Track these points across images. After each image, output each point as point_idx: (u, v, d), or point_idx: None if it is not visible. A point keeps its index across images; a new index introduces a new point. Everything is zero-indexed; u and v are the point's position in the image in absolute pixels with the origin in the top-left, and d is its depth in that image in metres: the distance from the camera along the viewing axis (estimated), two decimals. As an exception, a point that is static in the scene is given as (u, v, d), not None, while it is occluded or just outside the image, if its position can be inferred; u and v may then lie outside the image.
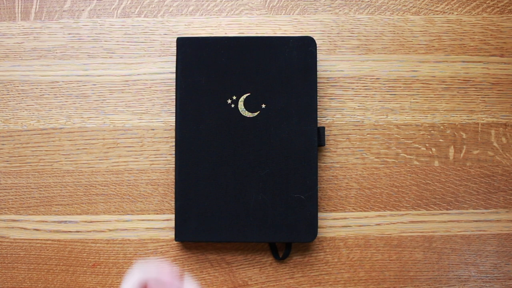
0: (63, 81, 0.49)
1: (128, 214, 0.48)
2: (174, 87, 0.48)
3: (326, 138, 0.49)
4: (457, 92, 0.49)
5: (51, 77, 0.49)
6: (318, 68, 0.48)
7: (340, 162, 0.49)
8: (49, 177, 0.48)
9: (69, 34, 0.49)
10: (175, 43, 0.47)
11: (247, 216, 0.45)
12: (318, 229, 0.47)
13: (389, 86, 0.49)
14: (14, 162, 0.48)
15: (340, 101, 0.49)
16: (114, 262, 0.48)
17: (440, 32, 0.50)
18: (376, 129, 0.49)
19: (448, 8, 0.50)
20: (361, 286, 0.48)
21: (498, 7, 0.50)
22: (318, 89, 0.48)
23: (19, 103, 0.49)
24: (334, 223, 0.48)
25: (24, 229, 0.48)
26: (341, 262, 0.48)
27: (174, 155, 0.48)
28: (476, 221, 0.49)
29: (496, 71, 0.50)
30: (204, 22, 0.50)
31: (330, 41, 0.49)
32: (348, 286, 0.48)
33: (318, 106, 0.47)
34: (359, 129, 0.49)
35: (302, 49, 0.46)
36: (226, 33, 0.49)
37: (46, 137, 0.48)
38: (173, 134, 0.48)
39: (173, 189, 0.48)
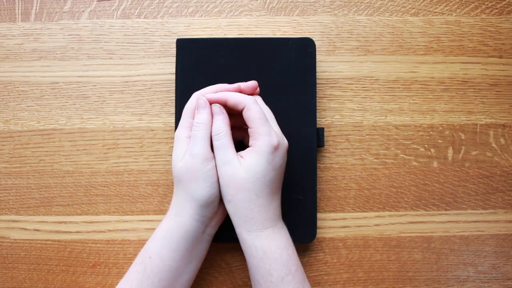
0: (63, 82, 0.49)
1: (128, 214, 0.48)
2: (174, 88, 0.48)
3: (325, 139, 0.49)
4: (456, 93, 0.50)
5: (51, 78, 0.49)
6: (317, 69, 0.49)
7: (339, 163, 0.49)
8: (49, 177, 0.48)
9: (69, 35, 0.49)
10: (175, 44, 0.47)
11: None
12: (317, 230, 0.47)
13: (388, 87, 0.49)
14: (15, 163, 0.48)
15: (339, 102, 0.49)
16: (114, 263, 0.48)
17: (439, 33, 0.50)
18: (375, 130, 0.49)
19: (447, 9, 0.50)
20: (360, 286, 0.48)
21: (496, 9, 0.50)
22: (317, 90, 0.48)
23: (19, 104, 0.49)
24: (333, 224, 0.48)
25: (24, 229, 0.48)
26: (340, 262, 0.48)
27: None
28: (474, 221, 0.49)
29: (494, 72, 0.50)
30: (204, 23, 0.50)
31: (329, 42, 0.50)
32: (347, 286, 0.48)
33: (317, 107, 0.47)
34: (358, 130, 0.49)
35: (302, 50, 0.47)
36: (225, 34, 0.50)
37: (46, 138, 0.49)
38: (173, 135, 0.48)
39: (173, 190, 0.48)
